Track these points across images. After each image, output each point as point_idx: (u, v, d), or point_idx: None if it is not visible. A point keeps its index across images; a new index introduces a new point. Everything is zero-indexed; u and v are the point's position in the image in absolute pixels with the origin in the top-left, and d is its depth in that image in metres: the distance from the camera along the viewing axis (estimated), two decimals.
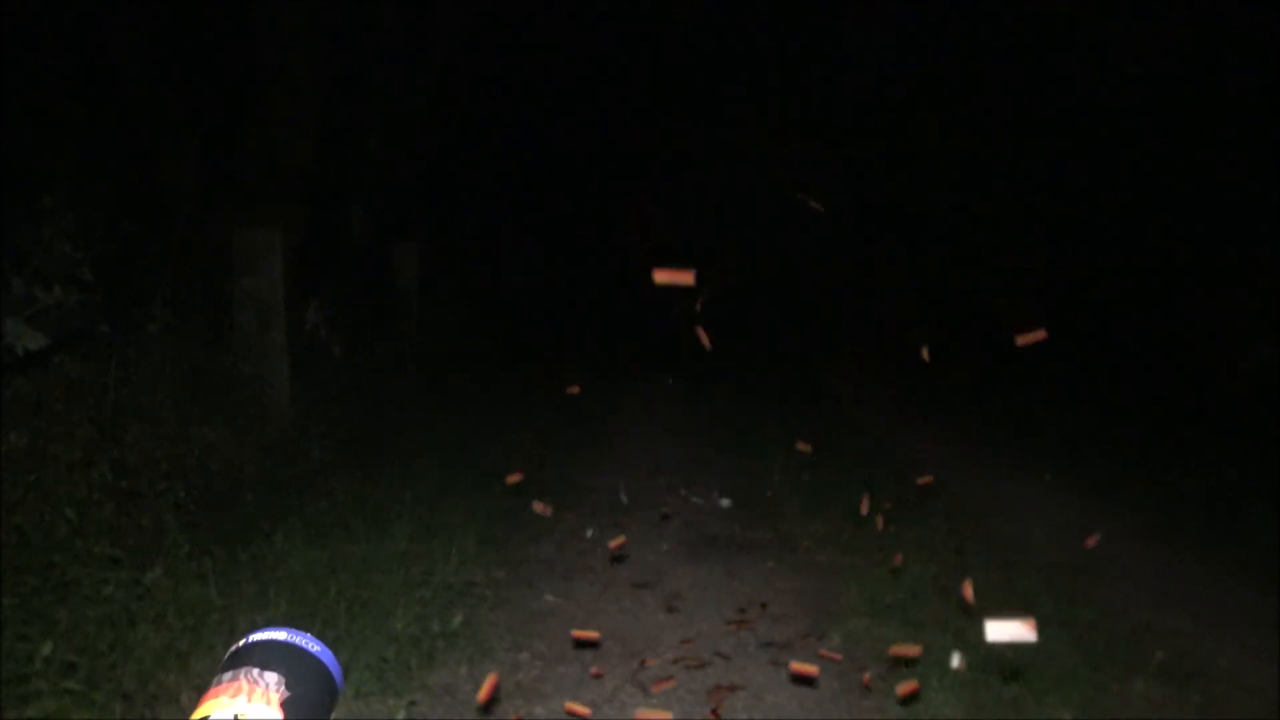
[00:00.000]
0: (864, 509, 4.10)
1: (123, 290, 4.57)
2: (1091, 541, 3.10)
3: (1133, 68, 9.92)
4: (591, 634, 1.56)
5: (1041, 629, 3.99)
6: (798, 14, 12.88)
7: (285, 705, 0.71)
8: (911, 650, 2.65)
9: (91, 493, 3.51)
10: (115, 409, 4.01)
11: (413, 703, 3.17)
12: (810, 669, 1.61)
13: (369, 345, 7.21)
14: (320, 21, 6.91)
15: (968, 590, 2.87)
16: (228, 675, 0.73)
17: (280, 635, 0.78)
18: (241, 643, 0.78)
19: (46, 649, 2.74)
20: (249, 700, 0.71)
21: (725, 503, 5.73)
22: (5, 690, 2.65)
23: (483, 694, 2.30)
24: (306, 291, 6.38)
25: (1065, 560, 4.85)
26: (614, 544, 3.22)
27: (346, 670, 3.19)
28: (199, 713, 0.70)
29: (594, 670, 3.54)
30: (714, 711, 3.25)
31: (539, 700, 3.34)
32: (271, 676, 0.73)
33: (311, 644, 0.79)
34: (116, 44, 6.53)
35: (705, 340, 2.55)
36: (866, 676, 3.30)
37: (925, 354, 2.82)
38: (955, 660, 2.98)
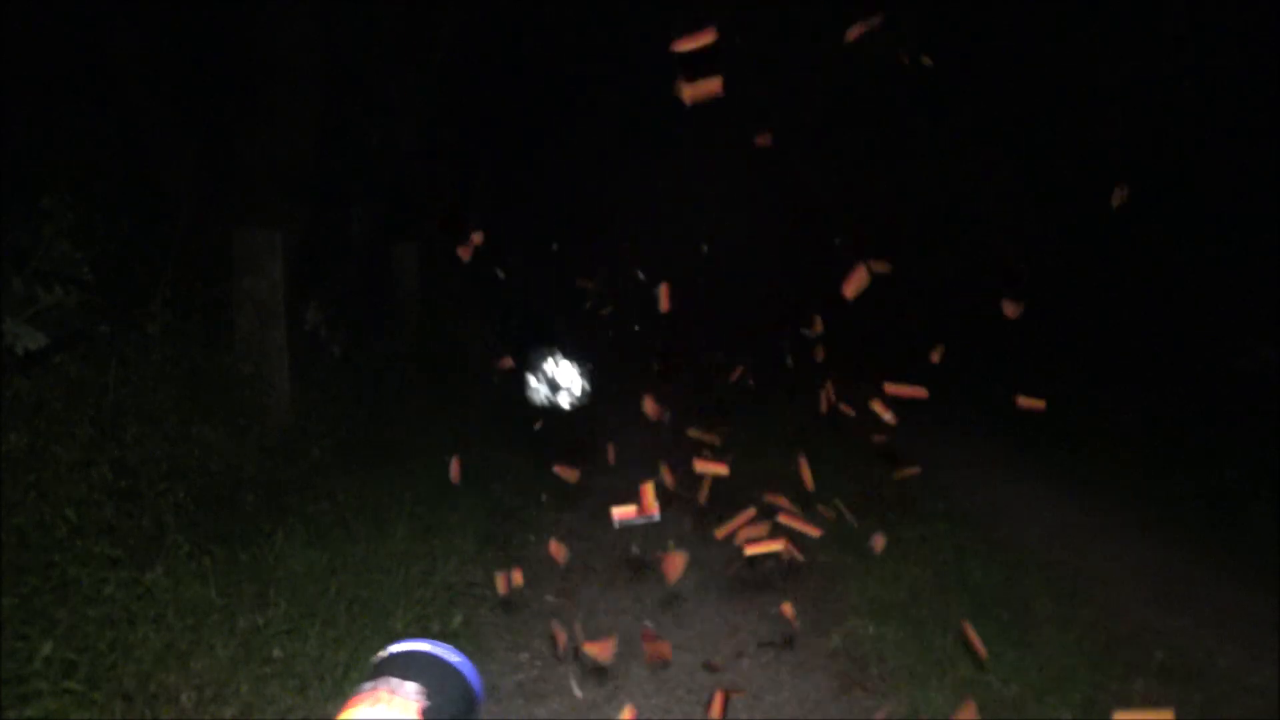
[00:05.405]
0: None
1: (123, 290, 4.57)
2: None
3: (1131, 66, 9.92)
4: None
5: (1041, 629, 4.00)
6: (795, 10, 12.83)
7: (425, 713, 0.74)
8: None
9: (91, 493, 3.50)
10: (115, 409, 4.00)
11: None
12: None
13: (369, 345, 7.20)
14: (320, 20, 6.90)
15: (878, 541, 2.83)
16: (368, 684, 0.76)
17: (421, 646, 0.82)
18: (383, 653, 0.81)
19: (46, 649, 2.74)
20: (389, 707, 0.73)
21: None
22: (5, 690, 2.64)
23: None
24: (306, 291, 6.37)
25: (1065, 560, 4.85)
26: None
27: (343, 672, 3.19)
28: (340, 718, 0.72)
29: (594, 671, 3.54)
30: (715, 707, 3.24)
31: (539, 700, 3.34)
32: (411, 686, 0.76)
33: (451, 654, 0.81)
34: (116, 43, 6.52)
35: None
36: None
37: (936, 356, 2.80)
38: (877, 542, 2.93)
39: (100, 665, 2.86)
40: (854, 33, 1.97)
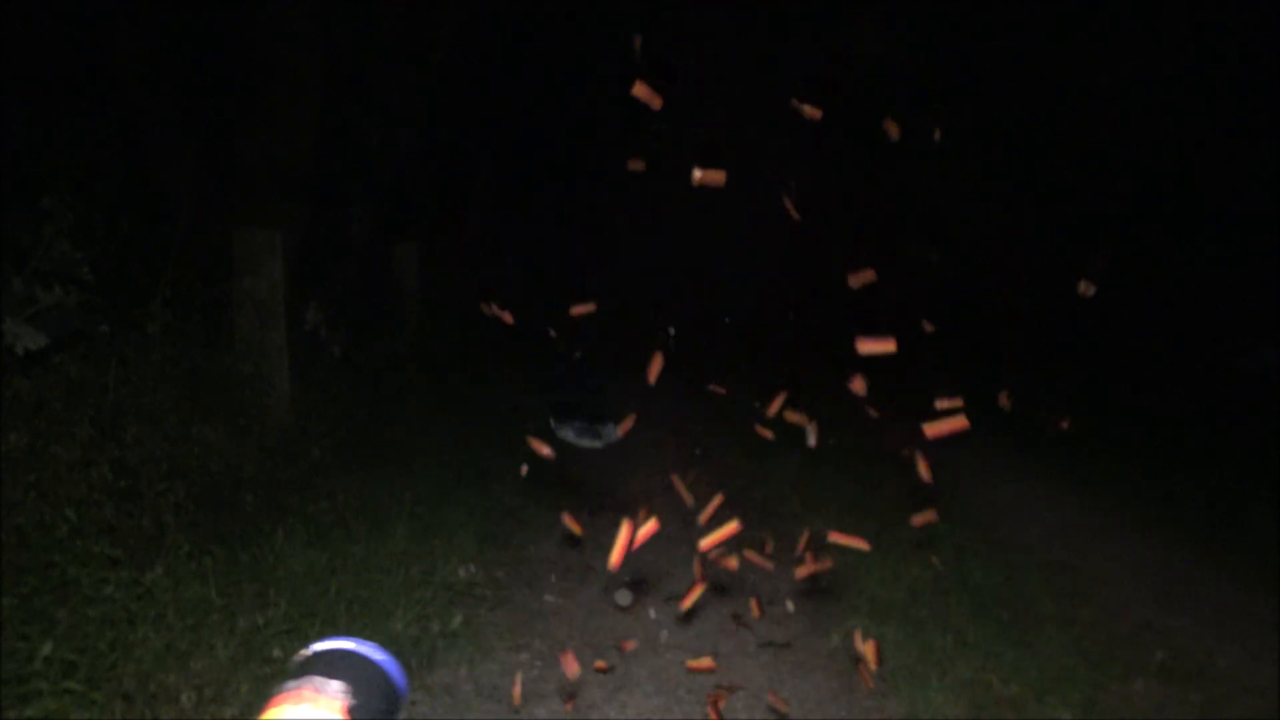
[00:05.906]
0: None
1: (123, 290, 4.57)
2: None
3: (1132, 66, 9.92)
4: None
5: (1041, 629, 4.00)
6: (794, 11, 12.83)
7: (350, 711, 0.74)
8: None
9: (91, 493, 3.51)
10: (115, 409, 4.00)
11: (413, 702, 3.17)
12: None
13: (369, 345, 7.21)
14: (320, 20, 6.90)
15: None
16: (292, 683, 0.76)
17: (345, 644, 0.82)
18: (307, 652, 0.81)
19: (46, 649, 2.74)
20: (314, 707, 0.73)
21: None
22: (5, 690, 2.64)
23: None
24: (306, 291, 6.37)
25: (1065, 560, 4.85)
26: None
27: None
28: (264, 718, 0.72)
29: (596, 667, 3.54)
30: (714, 709, 3.24)
31: (539, 700, 3.34)
32: (335, 684, 0.76)
33: (375, 653, 0.82)
34: (116, 43, 6.52)
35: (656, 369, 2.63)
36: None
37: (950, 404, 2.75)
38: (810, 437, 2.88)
39: (100, 665, 2.86)
40: (800, 106, 2.05)
